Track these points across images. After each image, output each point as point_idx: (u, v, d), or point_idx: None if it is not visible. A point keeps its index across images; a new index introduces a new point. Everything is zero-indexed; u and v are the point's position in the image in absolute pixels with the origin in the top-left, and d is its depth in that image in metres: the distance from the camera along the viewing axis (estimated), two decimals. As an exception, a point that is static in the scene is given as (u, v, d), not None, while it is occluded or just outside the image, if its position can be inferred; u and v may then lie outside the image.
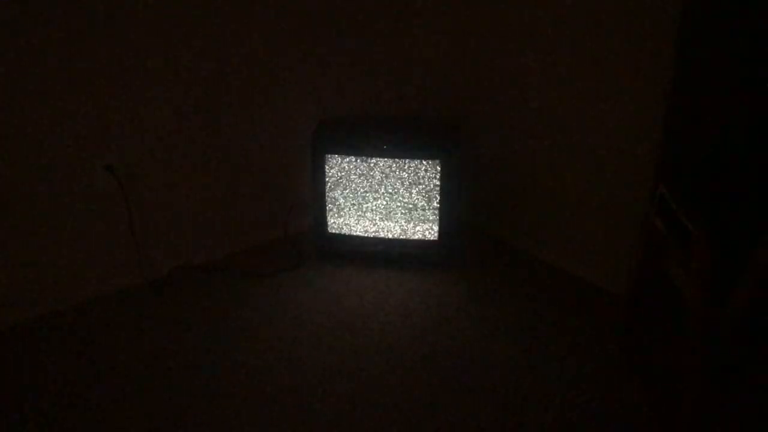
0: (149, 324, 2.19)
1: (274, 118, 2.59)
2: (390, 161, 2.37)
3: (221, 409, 1.80)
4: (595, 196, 2.37)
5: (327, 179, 2.44)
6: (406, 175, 2.39)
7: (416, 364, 2.01)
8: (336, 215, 2.51)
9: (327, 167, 2.42)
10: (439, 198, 2.41)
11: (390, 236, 2.52)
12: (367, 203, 2.46)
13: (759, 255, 1.43)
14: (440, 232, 2.48)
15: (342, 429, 1.74)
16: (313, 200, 2.53)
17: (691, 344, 1.59)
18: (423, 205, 2.44)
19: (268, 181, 2.68)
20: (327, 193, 2.47)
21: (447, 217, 2.45)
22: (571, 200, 2.47)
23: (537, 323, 2.21)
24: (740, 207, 1.63)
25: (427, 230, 2.49)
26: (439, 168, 2.36)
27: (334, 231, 2.55)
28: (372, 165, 2.39)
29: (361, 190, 2.44)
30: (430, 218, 2.46)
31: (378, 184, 2.42)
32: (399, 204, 2.45)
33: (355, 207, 2.48)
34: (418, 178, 2.39)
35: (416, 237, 2.51)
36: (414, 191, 2.42)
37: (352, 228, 2.53)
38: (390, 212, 2.47)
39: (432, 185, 2.39)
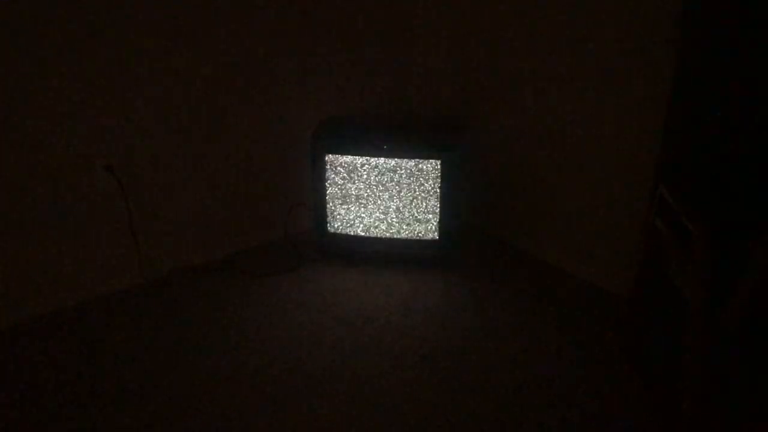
0: (149, 324, 2.19)
1: (274, 118, 2.59)
2: (390, 161, 2.37)
3: (221, 409, 1.80)
4: (596, 196, 2.37)
5: (327, 179, 2.44)
6: (407, 174, 2.39)
7: (416, 364, 2.01)
8: (336, 215, 2.51)
9: (327, 167, 2.42)
10: (439, 198, 2.41)
11: (390, 236, 2.52)
12: (367, 203, 2.46)
13: (759, 255, 1.43)
14: (440, 231, 2.48)
15: (342, 429, 1.73)
16: (313, 200, 2.53)
17: (691, 344, 1.59)
18: (423, 205, 2.44)
19: (268, 181, 2.68)
20: (327, 193, 2.47)
21: (447, 216, 2.45)
22: (571, 200, 2.47)
23: (537, 323, 2.21)
24: (740, 207, 1.63)
25: (427, 230, 2.49)
26: (439, 168, 2.36)
27: (334, 231, 2.55)
28: (372, 165, 2.39)
29: (361, 189, 2.44)
30: (430, 218, 2.46)
31: (378, 184, 2.42)
32: (399, 204, 2.45)
33: (355, 207, 2.48)
34: (419, 177, 2.39)
35: (416, 237, 2.51)
36: (414, 191, 2.42)
37: (352, 228, 2.53)
38: (390, 212, 2.47)
39: (432, 185, 2.39)
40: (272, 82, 2.52)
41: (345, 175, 2.42)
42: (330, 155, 2.40)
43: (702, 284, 1.53)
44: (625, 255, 2.28)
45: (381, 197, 2.44)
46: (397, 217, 2.48)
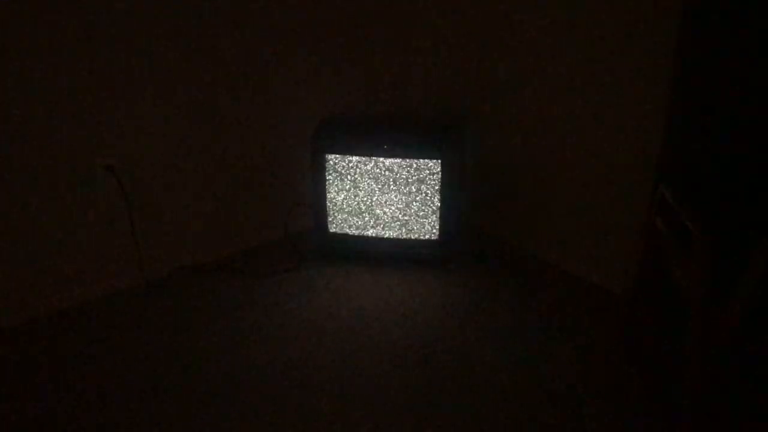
0: (149, 324, 2.19)
1: (274, 118, 2.59)
2: (390, 161, 2.37)
3: (221, 408, 1.80)
4: (596, 196, 2.37)
5: (327, 179, 2.44)
6: (407, 174, 2.39)
7: (416, 364, 2.01)
8: (336, 215, 2.51)
9: (327, 167, 2.42)
10: (439, 197, 2.41)
11: (390, 236, 2.52)
12: (367, 203, 2.46)
13: (759, 255, 1.43)
14: (440, 231, 2.48)
15: (342, 429, 1.73)
16: (314, 200, 2.53)
17: (691, 344, 1.59)
18: (423, 205, 2.44)
19: (268, 181, 2.68)
20: (327, 193, 2.47)
21: (447, 216, 2.45)
22: (571, 200, 2.47)
23: (537, 323, 2.21)
24: (741, 207, 1.63)
25: (428, 230, 2.49)
26: (439, 167, 2.36)
27: (334, 231, 2.55)
28: (372, 164, 2.39)
29: (362, 189, 2.44)
30: (431, 218, 2.46)
31: (378, 184, 2.42)
32: (399, 203, 2.45)
33: (356, 207, 2.48)
34: (419, 177, 2.39)
35: (416, 236, 2.51)
36: (414, 191, 2.42)
37: (353, 228, 2.53)
38: (390, 212, 2.47)
39: (432, 185, 2.39)
40: (272, 82, 2.52)
41: (345, 174, 2.42)
42: (330, 155, 2.40)
43: (702, 284, 1.53)
44: (625, 255, 2.29)
45: (381, 197, 2.44)
46: (397, 217, 2.47)
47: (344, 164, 2.40)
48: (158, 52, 2.18)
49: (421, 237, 2.51)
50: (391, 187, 2.42)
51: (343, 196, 2.47)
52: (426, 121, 2.79)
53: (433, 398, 1.86)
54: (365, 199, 2.46)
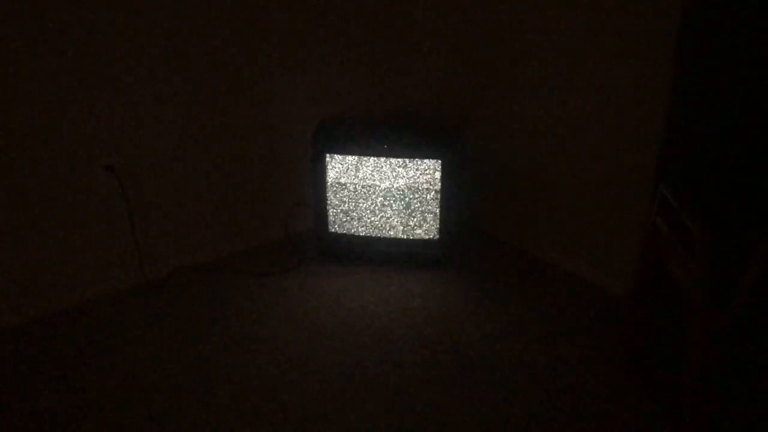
0: (149, 324, 2.19)
1: (274, 118, 2.59)
2: (391, 161, 2.37)
3: (221, 408, 1.80)
4: (596, 196, 2.37)
5: (327, 179, 2.44)
6: (407, 174, 2.39)
7: (416, 363, 2.01)
8: (336, 215, 2.51)
9: (327, 167, 2.42)
10: (439, 197, 2.41)
11: (390, 236, 2.52)
12: (367, 203, 2.46)
13: (760, 254, 1.43)
14: (440, 231, 2.48)
15: (342, 429, 1.73)
16: (314, 200, 2.53)
17: (692, 344, 1.59)
18: (423, 205, 2.44)
19: (268, 180, 2.68)
20: (327, 193, 2.47)
21: (447, 216, 2.45)
22: (571, 200, 2.47)
23: (537, 323, 2.21)
24: (741, 207, 1.63)
25: (428, 230, 2.49)
26: (440, 167, 2.36)
27: (334, 231, 2.55)
28: (372, 164, 2.39)
29: (362, 189, 2.44)
30: (431, 218, 2.46)
31: (378, 184, 2.42)
32: (399, 203, 2.45)
33: (356, 206, 2.48)
34: (419, 177, 2.39)
35: (416, 236, 2.51)
36: (415, 191, 2.42)
37: (353, 228, 2.53)
38: (390, 212, 2.47)
39: (433, 185, 2.39)
40: (272, 82, 2.52)
41: (345, 174, 2.42)
42: (330, 155, 2.40)
43: (702, 284, 1.53)
44: (625, 255, 2.29)
45: (381, 197, 2.44)
46: (397, 216, 2.48)
47: (344, 164, 2.40)
48: (158, 51, 2.18)
49: (421, 237, 2.51)
50: (392, 186, 2.41)
51: (343, 195, 2.47)
52: (426, 121, 2.80)
53: (434, 398, 1.86)
54: (365, 199, 2.46)
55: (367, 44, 2.74)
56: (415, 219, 2.47)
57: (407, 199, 2.43)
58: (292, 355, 2.04)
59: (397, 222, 2.49)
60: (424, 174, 2.38)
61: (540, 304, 2.33)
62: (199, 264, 2.57)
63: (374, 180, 2.41)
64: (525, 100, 2.52)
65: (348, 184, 2.44)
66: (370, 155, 2.37)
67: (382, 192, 2.43)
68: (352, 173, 2.42)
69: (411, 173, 2.39)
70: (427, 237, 2.50)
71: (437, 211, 2.44)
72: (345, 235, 2.55)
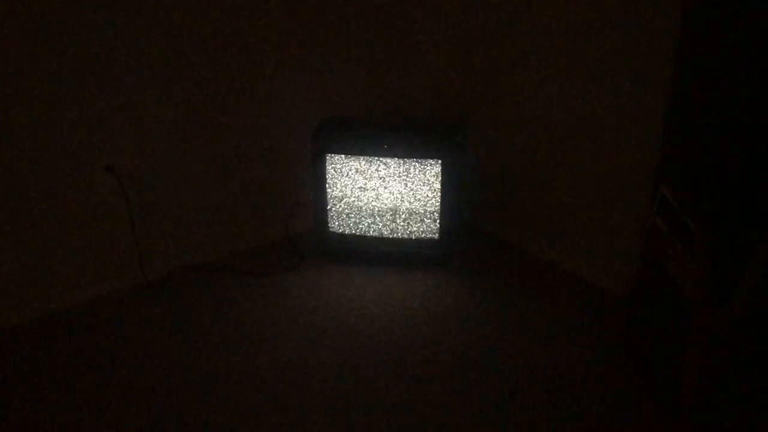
0: (149, 324, 2.19)
1: (274, 118, 2.59)
2: (391, 160, 2.37)
3: (221, 408, 1.80)
4: (596, 196, 2.37)
5: (327, 179, 2.44)
6: (407, 174, 2.39)
7: (416, 364, 2.01)
8: (336, 215, 2.51)
9: (327, 167, 2.42)
10: (439, 197, 2.41)
11: (390, 236, 2.52)
12: (367, 203, 2.46)
13: (759, 254, 1.43)
14: (441, 231, 2.48)
15: (342, 429, 1.73)
16: (314, 200, 2.53)
17: (692, 344, 1.59)
18: (423, 205, 2.44)
19: (268, 180, 2.68)
20: (327, 193, 2.47)
21: (447, 216, 2.45)
22: (571, 200, 2.47)
23: (537, 323, 2.21)
24: (741, 206, 1.63)
25: (428, 229, 2.49)
26: (440, 167, 2.36)
27: (334, 231, 2.55)
28: (372, 164, 2.39)
29: (362, 189, 2.44)
30: (431, 217, 2.46)
31: (379, 184, 2.42)
32: (400, 203, 2.45)
33: (356, 206, 2.48)
34: (419, 177, 2.39)
35: (417, 236, 2.51)
36: (415, 190, 2.42)
37: (353, 228, 2.53)
38: (390, 212, 2.47)
39: (433, 184, 2.39)
40: (272, 82, 2.52)
41: (345, 174, 2.42)
42: (330, 155, 2.40)
43: (702, 284, 1.53)
44: (625, 255, 2.28)
45: (381, 197, 2.44)
46: (397, 216, 2.47)
47: (344, 164, 2.40)
48: (158, 52, 2.18)
49: (421, 237, 2.51)
50: (391, 187, 2.41)
51: (343, 195, 2.47)
52: (426, 120, 2.80)
53: (434, 398, 1.86)
54: (365, 198, 2.46)
55: (368, 44, 2.74)
56: (415, 219, 2.47)
57: (407, 199, 2.43)
58: (291, 355, 2.04)
59: (397, 222, 2.49)
60: (424, 174, 2.38)
61: (540, 304, 2.33)
62: (199, 264, 2.57)
63: (374, 180, 2.41)
64: (525, 100, 2.52)
65: (348, 184, 2.44)
66: (370, 155, 2.37)
67: (381, 192, 2.43)
68: (352, 173, 2.42)
69: (411, 173, 2.39)
70: (427, 237, 2.50)
71: (437, 211, 2.44)
72: (345, 235, 2.55)
